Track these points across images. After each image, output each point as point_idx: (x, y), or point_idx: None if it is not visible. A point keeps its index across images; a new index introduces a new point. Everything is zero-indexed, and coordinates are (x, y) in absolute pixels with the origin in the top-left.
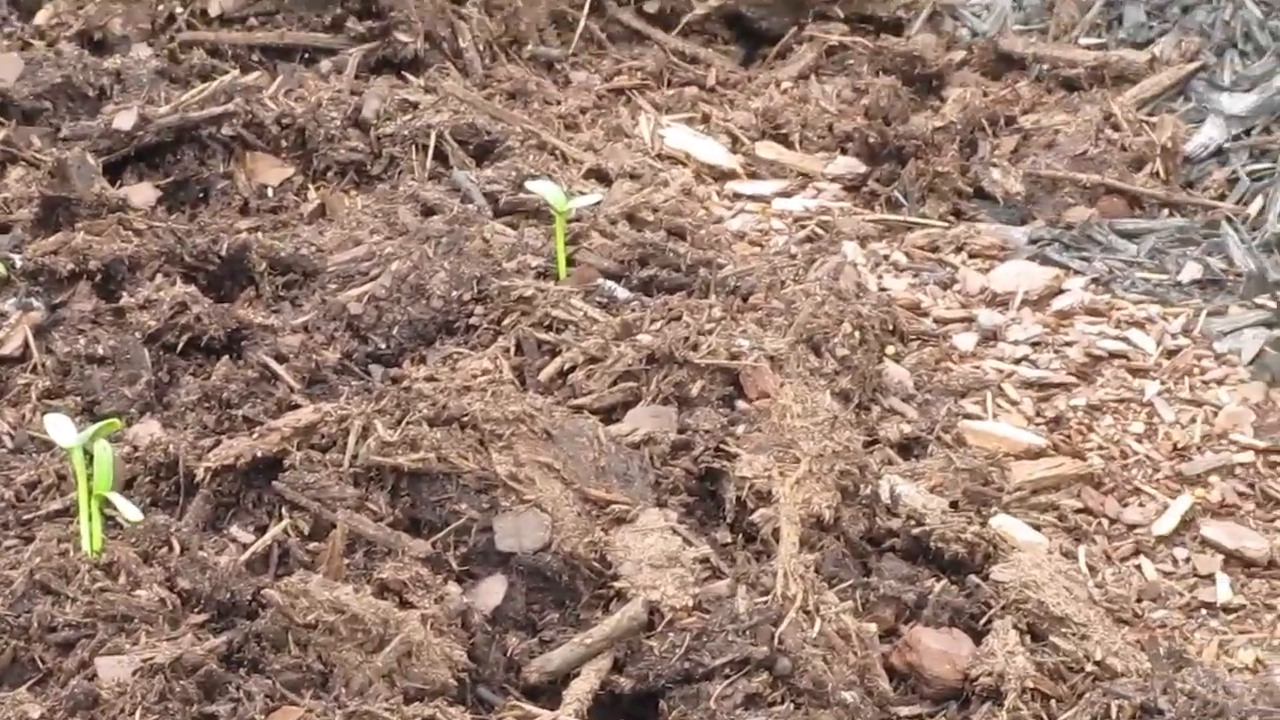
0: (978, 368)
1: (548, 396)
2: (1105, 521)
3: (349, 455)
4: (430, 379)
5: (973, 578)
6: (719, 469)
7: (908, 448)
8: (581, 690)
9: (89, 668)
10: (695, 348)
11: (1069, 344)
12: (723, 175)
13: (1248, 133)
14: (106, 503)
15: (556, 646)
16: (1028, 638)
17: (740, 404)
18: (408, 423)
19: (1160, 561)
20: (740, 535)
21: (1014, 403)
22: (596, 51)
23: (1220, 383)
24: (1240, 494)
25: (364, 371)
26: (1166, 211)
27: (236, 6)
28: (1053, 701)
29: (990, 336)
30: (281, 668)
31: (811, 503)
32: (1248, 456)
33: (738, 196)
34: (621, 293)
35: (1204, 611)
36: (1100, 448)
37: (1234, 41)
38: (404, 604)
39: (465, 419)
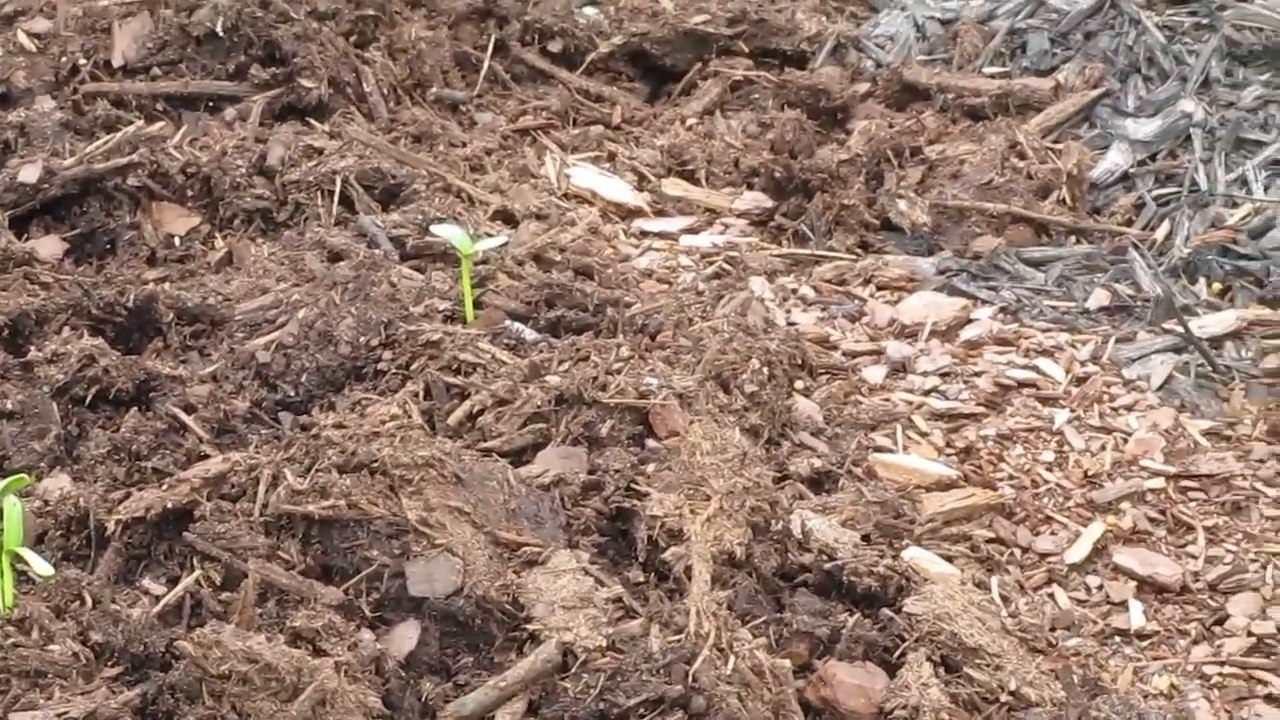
0: (887, 400)
1: (457, 440)
2: (1017, 551)
3: (259, 504)
4: (339, 426)
5: (886, 611)
6: (630, 508)
7: (818, 482)
8: None
9: None
10: (604, 388)
11: (978, 374)
12: (629, 213)
13: (1153, 158)
14: (17, 558)
15: (471, 690)
16: (942, 669)
17: (650, 443)
18: (317, 470)
19: (1073, 590)
20: (653, 574)
21: (924, 434)
22: (501, 92)
23: (1130, 409)
24: (1152, 520)
25: (273, 420)
26: (1073, 239)
27: (140, 57)
28: None
29: (899, 368)
30: (196, 719)
31: (723, 540)
32: (1158, 483)
33: (645, 234)
34: (529, 334)
35: (1117, 638)
36: (1011, 477)
37: (1137, 67)
38: (317, 652)
39: (375, 465)
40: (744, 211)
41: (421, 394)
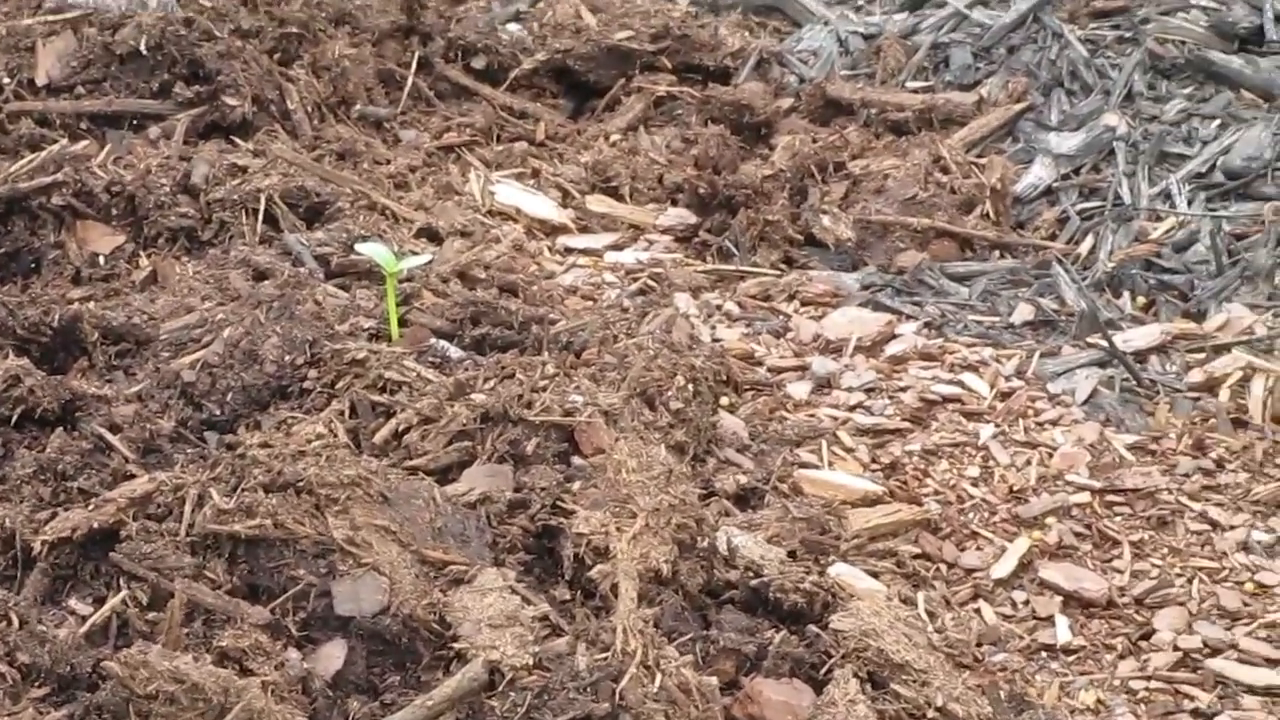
0: (812, 416)
1: (383, 459)
2: (943, 566)
3: (185, 524)
4: (265, 445)
5: (812, 627)
6: (556, 526)
7: (744, 498)
8: None
9: None
10: (529, 405)
11: (903, 389)
12: (554, 230)
13: (1076, 171)
14: None
15: (398, 709)
16: (869, 686)
17: (576, 460)
18: (243, 490)
19: (999, 605)
20: (579, 592)
21: (849, 450)
22: (425, 109)
23: (1055, 424)
24: (1077, 535)
25: (199, 439)
26: (997, 253)
27: (64, 76)
28: None
29: (824, 384)
30: None
31: (649, 557)
32: (1084, 497)
33: (569, 251)
34: (454, 352)
35: (1044, 654)
36: (936, 492)
37: (1060, 81)
38: (244, 671)
39: (301, 484)
40: (668, 228)
41: (347, 412)
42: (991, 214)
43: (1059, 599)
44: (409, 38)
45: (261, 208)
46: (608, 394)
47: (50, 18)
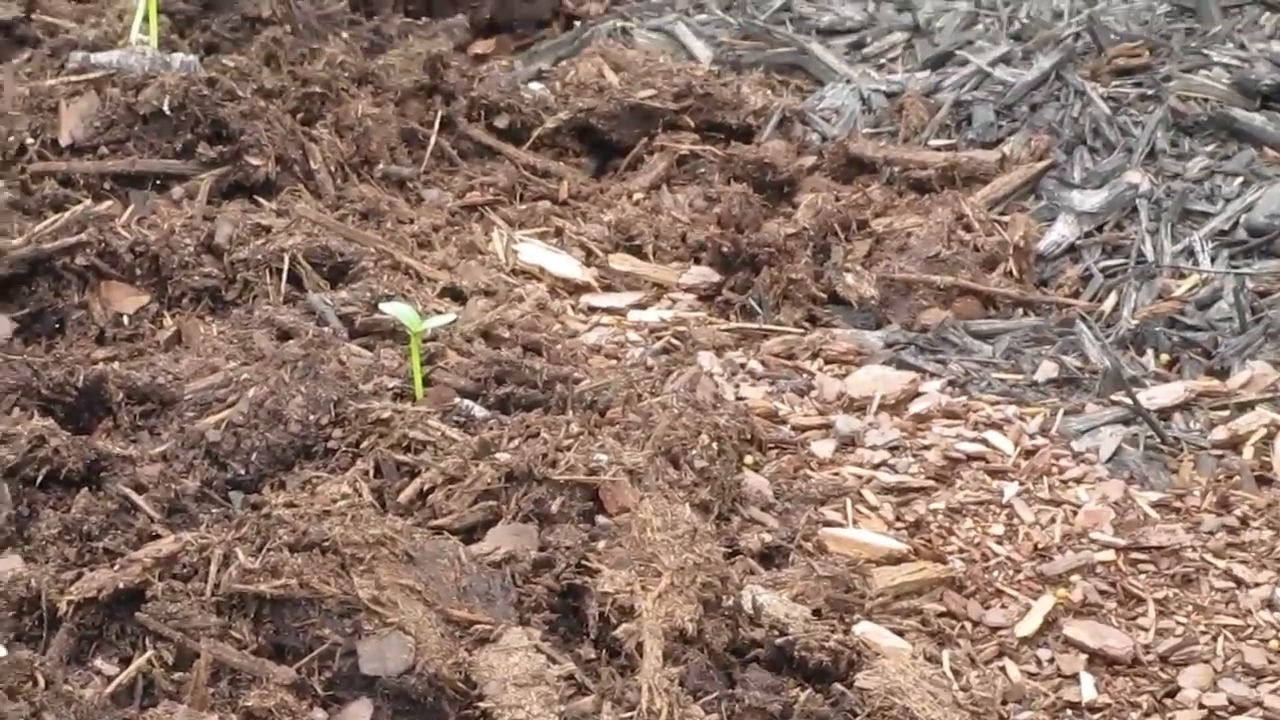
0: (837, 474)
1: (408, 518)
2: (968, 624)
3: (211, 584)
4: (290, 504)
5: (838, 686)
6: (581, 585)
7: (769, 557)
8: None
9: None
10: (554, 464)
11: (927, 447)
12: (577, 289)
13: (1099, 229)
14: None
15: None
16: None
17: (600, 519)
18: (269, 549)
19: (1024, 663)
20: (604, 651)
21: (874, 508)
22: (448, 169)
23: (1079, 481)
24: (1102, 593)
25: (224, 499)
26: (1021, 311)
27: (87, 136)
28: None
29: (848, 442)
30: None
31: (674, 616)
32: (1108, 555)
33: (593, 310)
34: (479, 411)
35: (1069, 712)
36: (961, 550)
37: (1083, 138)
38: None
39: (326, 544)
40: (691, 286)
41: (372, 472)
42: (1015, 272)
43: (1084, 657)
44: (432, 97)
45: (285, 267)
46: (632, 453)
47: (73, 78)
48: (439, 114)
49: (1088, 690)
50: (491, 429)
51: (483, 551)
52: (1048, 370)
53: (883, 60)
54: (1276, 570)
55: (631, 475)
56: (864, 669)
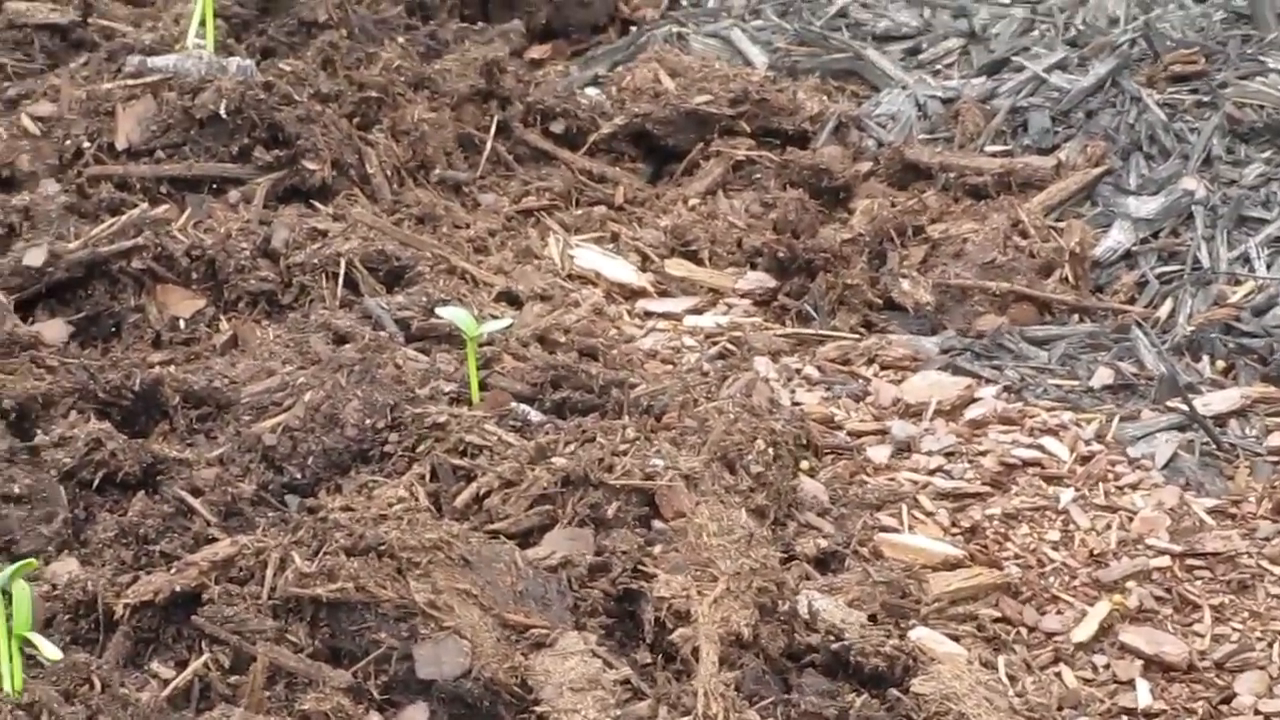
0: (892, 480)
1: (464, 522)
2: (1024, 630)
3: (267, 587)
4: (346, 508)
5: (893, 691)
6: (637, 590)
7: (825, 562)
8: None
9: None
10: (610, 469)
11: (983, 453)
12: (633, 294)
13: (1155, 235)
14: (26, 642)
15: None
16: None
17: (656, 524)
18: (325, 553)
19: (1080, 669)
20: (660, 655)
21: (929, 514)
22: (504, 173)
23: (1135, 488)
24: (1158, 599)
25: (280, 503)
26: (1076, 317)
27: (144, 139)
28: None
29: (904, 448)
30: None
31: (730, 621)
32: (1164, 561)
33: (649, 315)
34: (535, 416)
35: (1125, 718)
36: (1017, 556)
37: (1139, 145)
38: None
39: (382, 548)
40: (747, 291)
41: (428, 476)
42: (1070, 278)
43: (1140, 663)
44: (488, 102)
45: (342, 272)
46: (688, 458)
47: (130, 82)
48: (495, 119)
49: (1143, 696)
50: (547, 433)
51: (539, 556)
52: (1103, 376)
53: (938, 66)
54: None
55: (687, 480)
56: (919, 674)
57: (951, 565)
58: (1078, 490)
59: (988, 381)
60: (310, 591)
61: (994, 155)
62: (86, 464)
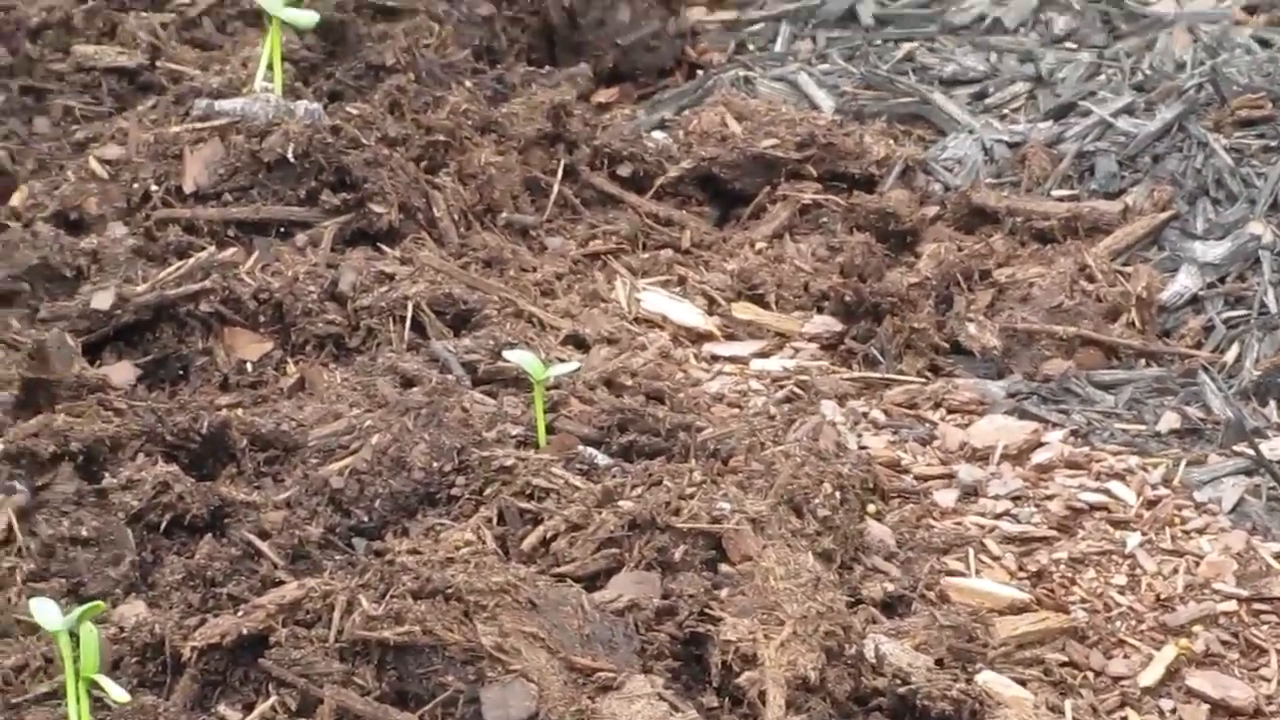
0: (959, 524)
1: (531, 565)
2: (1090, 674)
3: (334, 630)
4: (413, 551)
5: None
6: (704, 633)
7: (891, 606)
8: None
9: None
10: (677, 512)
11: (1049, 497)
12: (700, 337)
13: (1222, 280)
14: (94, 685)
15: None
16: None
17: (723, 567)
18: (392, 596)
19: (1146, 713)
20: (727, 699)
21: (996, 558)
22: (571, 217)
23: (1201, 532)
24: (1224, 643)
25: (347, 545)
26: (1143, 361)
27: (211, 183)
28: None
29: (971, 492)
30: None
31: (797, 664)
32: (1231, 605)
33: (715, 358)
34: (602, 459)
35: None
36: (1083, 600)
37: (1206, 189)
38: None
39: (449, 591)
40: (814, 335)
41: (495, 519)
42: (1137, 322)
43: (1206, 707)
44: (555, 145)
45: (409, 315)
46: (755, 501)
47: (197, 125)
48: (562, 162)
49: None
50: (614, 477)
51: (605, 599)
52: (1170, 421)
53: (1005, 110)
54: None
55: (754, 524)
56: (986, 718)
57: (1018, 609)
58: (1144, 534)
59: (1054, 426)
60: (377, 634)
61: (1060, 200)
62: (154, 506)
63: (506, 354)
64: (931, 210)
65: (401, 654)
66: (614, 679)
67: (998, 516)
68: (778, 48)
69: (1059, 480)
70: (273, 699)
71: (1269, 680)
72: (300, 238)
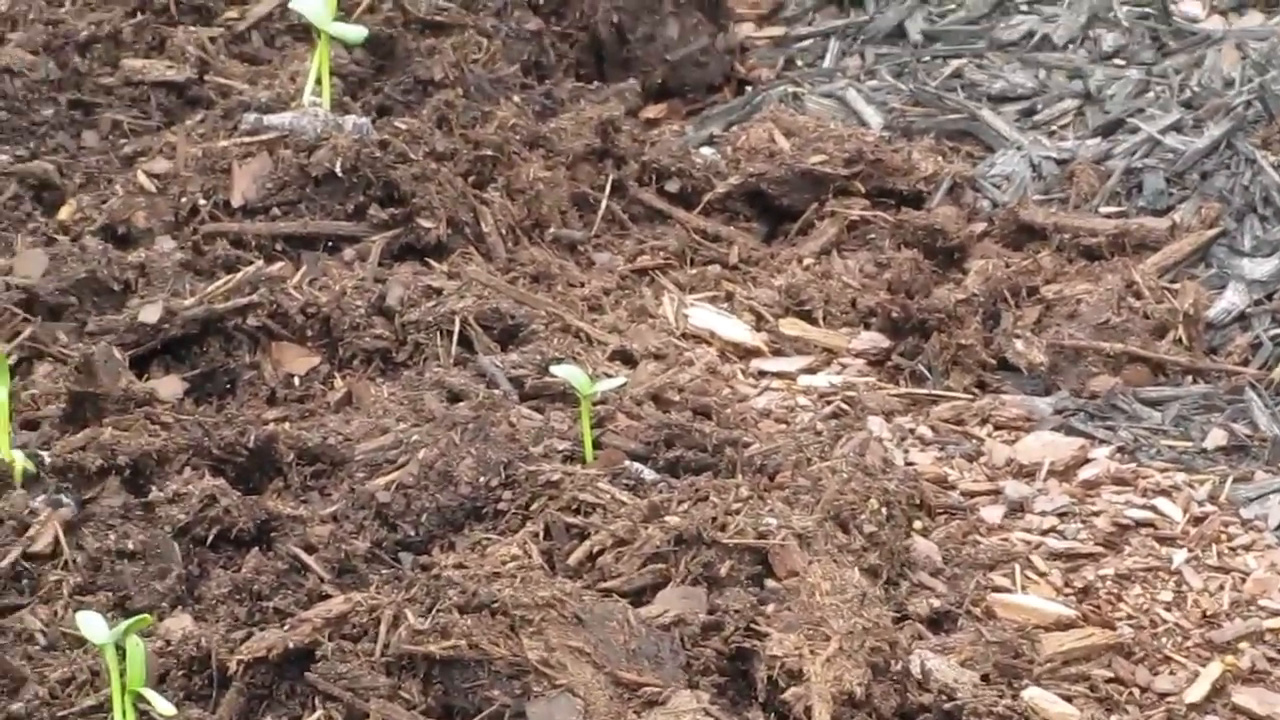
0: (1005, 540)
1: (577, 580)
2: (1137, 691)
3: (380, 644)
4: (460, 566)
5: None
6: (750, 648)
7: (937, 622)
8: None
9: None
10: (723, 528)
11: (1096, 514)
12: (747, 353)
13: (1269, 297)
14: (140, 698)
15: None
16: None
17: (769, 583)
18: (438, 610)
19: None
20: (772, 714)
21: (1042, 574)
22: (619, 232)
23: (1248, 549)
24: (1270, 660)
25: (394, 560)
26: (1190, 378)
27: (259, 197)
28: None
29: (1017, 508)
30: None
31: (843, 680)
32: (1276, 622)
33: (763, 374)
34: (649, 474)
35: None
36: (1130, 617)
37: (1254, 207)
38: None
39: (496, 605)
40: (861, 351)
41: (541, 534)
42: (1184, 339)
43: None
44: (603, 161)
45: (456, 330)
46: (801, 517)
47: (246, 140)
48: (610, 178)
49: None
50: (661, 492)
51: (652, 614)
52: (1217, 438)
53: (1053, 127)
54: None
55: (800, 539)
56: None
57: (1064, 626)
58: (1191, 551)
59: (1101, 442)
60: (423, 649)
61: (1108, 216)
62: (201, 520)
63: (553, 369)
64: (979, 227)
65: (447, 668)
66: (660, 694)
67: (1044, 533)
68: (826, 64)
69: (1105, 496)
70: (319, 713)
71: None
72: (348, 252)
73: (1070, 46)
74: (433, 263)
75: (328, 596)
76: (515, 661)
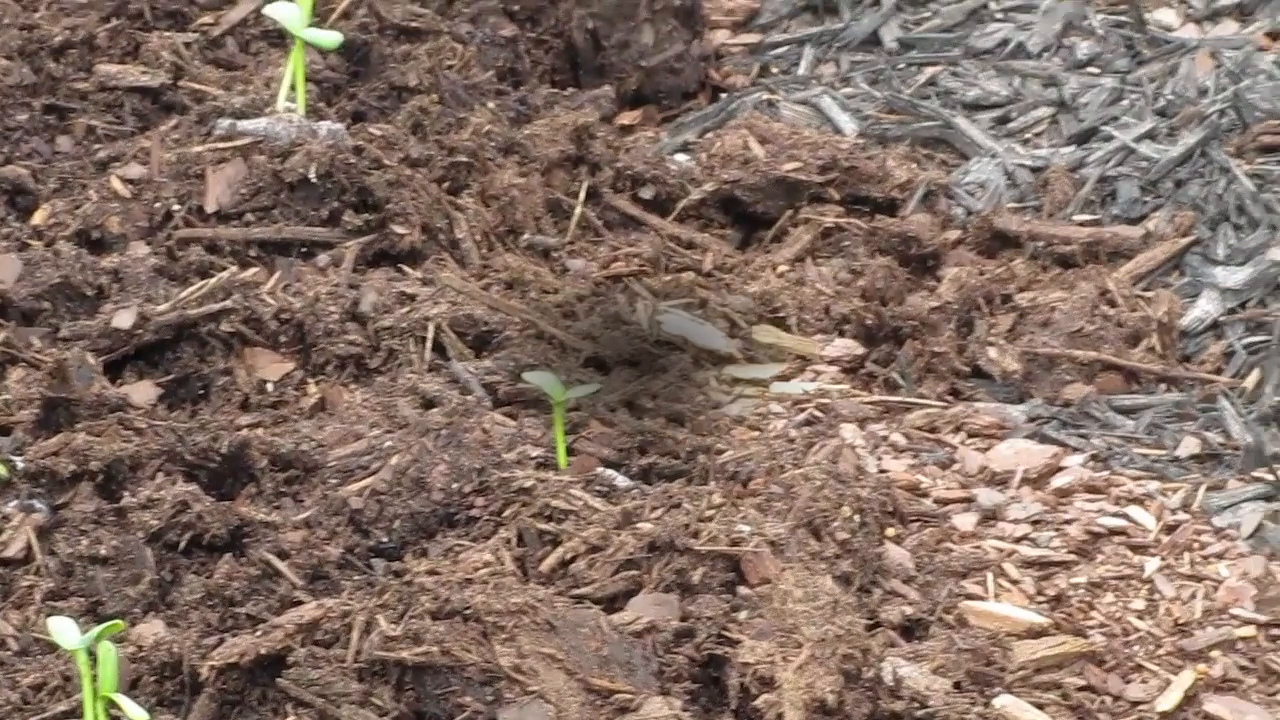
0: (978, 548)
1: (549, 587)
2: (1108, 699)
3: (353, 650)
4: (432, 572)
5: None
6: (722, 655)
7: (910, 630)
8: None
9: None
10: (696, 535)
11: (1069, 522)
12: (721, 360)
13: (1243, 305)
14: (112, 704)
15: None
16: None
17: (742, 590)
18: (410, 616)
19: None
20: None
21: (1015, 582)
22: (593, 239)
23: (1220, 557)
24: (1242, 669)
25: (366, 566)
26: (1163, 386)
27: (233, 202)
28: None
29: (990, 516)
30: None
31: (815, 687)
32: (1249, 631)
33: (736, 381)
34: (622, 481)
35: None
36: (1102, 625)
37: (1227, 215)
38: None
39: (468, 612)
40: (835, 358)
41: (514, 541)
42: (1158, 347)
43: None
44: (577, 167)
45: (430, 336)
46: (774, 524)
47: (220, 145)
48: (584, 184)
49: None
50: (634, 499)
51: (624, 621)
52: (1190, 446)
53: (1028, 135)
54: None
55: (773, 546)
56: None
57: (1036, 633)
58: (1163, 559)
59: (1074, 450)
60: (395, 655)
61: (1082, 224)
62: (173, 526)
63: (527, 375)
64: (953, 234)
65: (419, 674)
66: (632, 701)
67: (1017, 540)
68: (801, 71)
69: (1078, 504)
70: (290, 719)
71: None
72: (322, 258)
73: (1045, 55)
74: (407, 269)
75: (300, 603)
76: (487, 668)
